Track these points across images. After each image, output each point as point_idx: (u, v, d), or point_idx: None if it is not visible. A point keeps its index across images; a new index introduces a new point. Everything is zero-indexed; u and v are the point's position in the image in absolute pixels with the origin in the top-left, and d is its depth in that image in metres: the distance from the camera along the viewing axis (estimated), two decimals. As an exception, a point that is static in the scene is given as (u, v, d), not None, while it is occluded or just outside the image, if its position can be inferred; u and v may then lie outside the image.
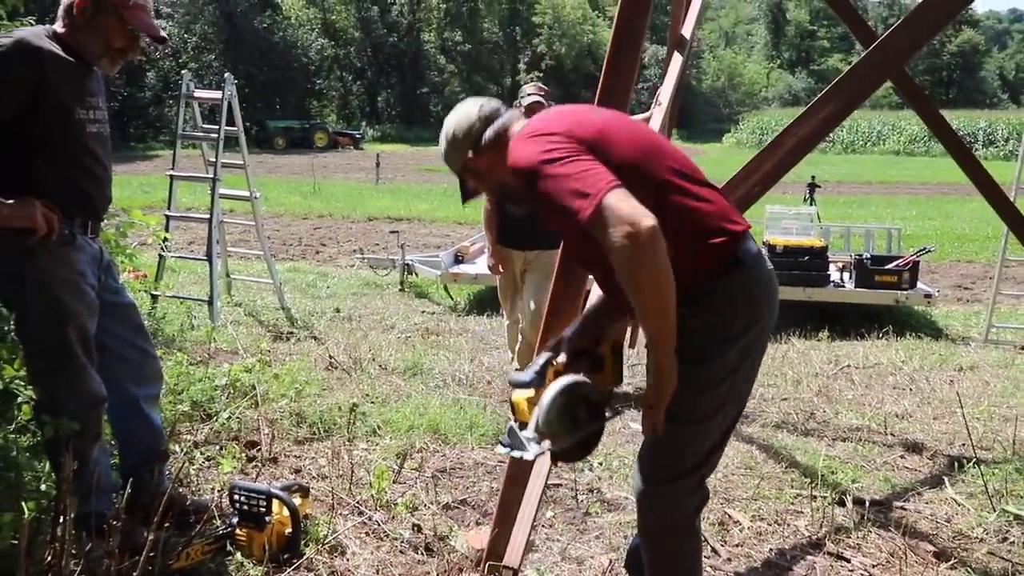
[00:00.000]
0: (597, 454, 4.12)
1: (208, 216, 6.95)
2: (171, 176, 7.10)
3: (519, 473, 2.57)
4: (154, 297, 6.75)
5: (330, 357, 5.65)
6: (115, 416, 2.95)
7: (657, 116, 4.06)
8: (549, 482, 3.72)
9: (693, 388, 2.14)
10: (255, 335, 6.53)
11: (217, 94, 6.97)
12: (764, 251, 8.08)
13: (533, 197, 2.09)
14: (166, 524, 2.91)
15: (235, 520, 2.87)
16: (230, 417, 4.12)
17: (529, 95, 5.47)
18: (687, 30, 4.47)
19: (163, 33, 2.85)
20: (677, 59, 4.39)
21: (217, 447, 3.84)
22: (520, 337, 5.67)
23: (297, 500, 3.06)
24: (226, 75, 7.16)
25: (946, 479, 3.98)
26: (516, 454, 2.12)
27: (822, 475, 3.91)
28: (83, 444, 2.70)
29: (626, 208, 1.92)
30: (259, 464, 3.77)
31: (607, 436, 4.48)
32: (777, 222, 8.94)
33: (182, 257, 7.36)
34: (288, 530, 2.90)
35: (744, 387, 2.31)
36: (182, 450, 3.74)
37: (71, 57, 2.66)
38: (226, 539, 2.84)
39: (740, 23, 74.61)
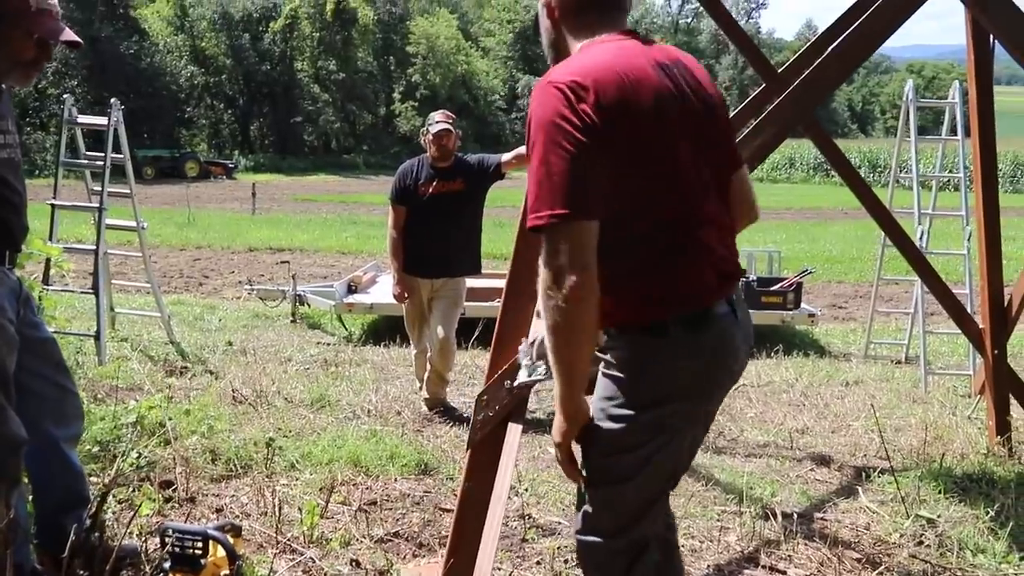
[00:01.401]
0: (523, 479, 4.11)
1: (94, 247, 6.63)
2: (52, 205, 6.75)
3: (475, 499, 2.53)
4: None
5: (233, 391, 5.45)
6: (33, 459, 2.75)
7: None
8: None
9: (598, 447, 2.02)
10: (147, 371, 6.24)
11: (103, 120, 6.68)
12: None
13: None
14: (96, 573, 2.76)
15: (167, 565, 2.72)
16: (139, 456, 3.91)
17: (437, 123, 5.48)
18: None
19: (75, 37, 2.62)
20: None
21: (129, 489, 3.63)
22: (429, 365, 5.62)
23: (231, 540, 2.92)
24: (112, 100, 6.88)
25: (858, 489, 4.15)
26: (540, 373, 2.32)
27: (744, 491, 4.02)
28: (2, 490, 2.50)
29: (569, 254, 1.81)
30: (177, 505, 3.60)
31: (528, 462, 4.50)
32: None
33: (66, 291, 6.96)
34: (224, 572, 2.76)
35: (667, 465, 2.05)
36: (94, 494, 3.52)
37: None
38: (159, 586, 2.69)
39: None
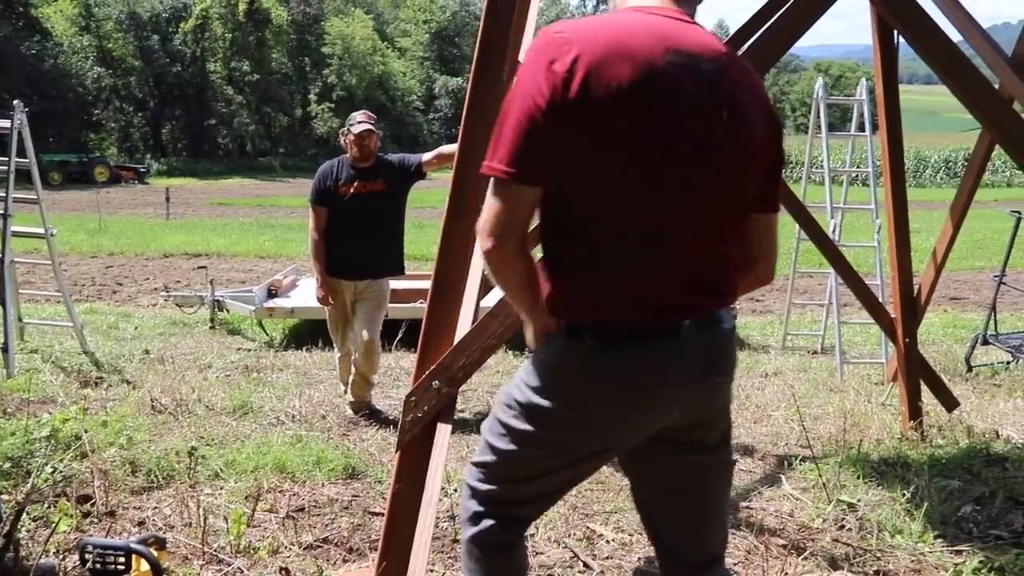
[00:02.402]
0: (452, 480, 4.09)
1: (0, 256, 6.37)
2: (-46, 215, 6.45)
3: (406, 501, 2.51)
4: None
5: (152, 400, 5.30)
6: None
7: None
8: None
9: (499, 407, 2.00)
10: (60, 382, 6.02)
11: (5, 123, 6.42)
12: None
13: None
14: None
15: (88, 582, 2.63)
16: (55, 471, 3.77)
17: (359, 123, 5.41)
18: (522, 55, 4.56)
19: None
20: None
21: (44, 505, 3.49)
22: (353, 368, 5.56)
23: (154, 554, 2.84)
24: (15, 102, 6.61)
25: (782, 477, 4.24)
26: None
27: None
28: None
29: (491, 214, 1.75)
30: (96, 519, 3.48)
31: (457, 462, 4.48)
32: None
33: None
34: (150, 586, 2.68)
35: (549, 463, 1.95)
36: (6, 512, 3.37)
37: None
38: (80, 604, 2.60)
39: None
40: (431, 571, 3.18)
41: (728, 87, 1.78)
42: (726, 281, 1.89)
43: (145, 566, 2.67)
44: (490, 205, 1.75)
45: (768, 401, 6.11)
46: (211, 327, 8.99)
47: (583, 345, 1.81)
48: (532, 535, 3.45)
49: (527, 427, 1.91)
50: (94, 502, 3.59)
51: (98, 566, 2.61)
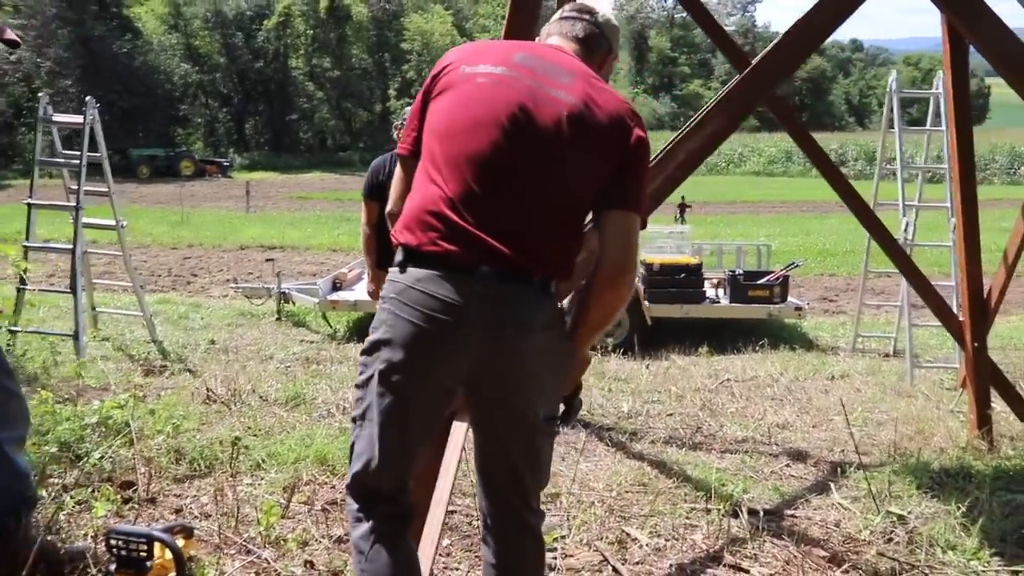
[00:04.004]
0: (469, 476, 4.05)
1: (71, 247, 6.57)
2: (29, 205, 6.69)
3: (417, 501, 2.47)
4: (12, 332, 6.33)
5: (207, 390, 5.40)
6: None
7: None
8: (450, 508, 3.64)
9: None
10: (125, 370, 6.19)
11: (78, 118, 6.62)
12: (641, 271, 8.31)
13: None
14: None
15: (112, 567, 2.66)
16: (102, 457, 3.85)
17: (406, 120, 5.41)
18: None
19: (14, 35, 2.59)
20: None
21: (89, 490, 3.57)
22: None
23: (180, 542, 2.87)
24: (87, 99, 6.81)
25: (832, 485, 4.09)
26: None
27: (714, 488, 3.96)
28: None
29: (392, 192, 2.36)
30: (136, 505, 3.54)
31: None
32: (652, 241, 9.15)
33: (44, 290, 6.91)
34: (172, 574, 2.70)
35: (377, 414, 2.11)
36: (50, 495, 3.47)
37: None
38: (103, 589, 2.64)
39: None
40: (456, 570, 3.15)
41: (568, 86, 2.12)
42: (535, 245, 2.08)
43: (168, 555, 2.70)
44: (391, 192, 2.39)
45: (830, 405, 5.92)
46: (277, 319, 9.13)
47: (405, 273, 2.11)
48: (563, 537, 3.39)
49: (366, 381, 2.14)
50: (136, 488, 3.65)
51: (122, 552, 2.64)
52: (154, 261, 14.25)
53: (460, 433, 2.49)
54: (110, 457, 3.90)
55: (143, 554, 2.64)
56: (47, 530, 3.17)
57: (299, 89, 52.71)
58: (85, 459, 3.82)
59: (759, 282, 8.50)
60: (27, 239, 6.65)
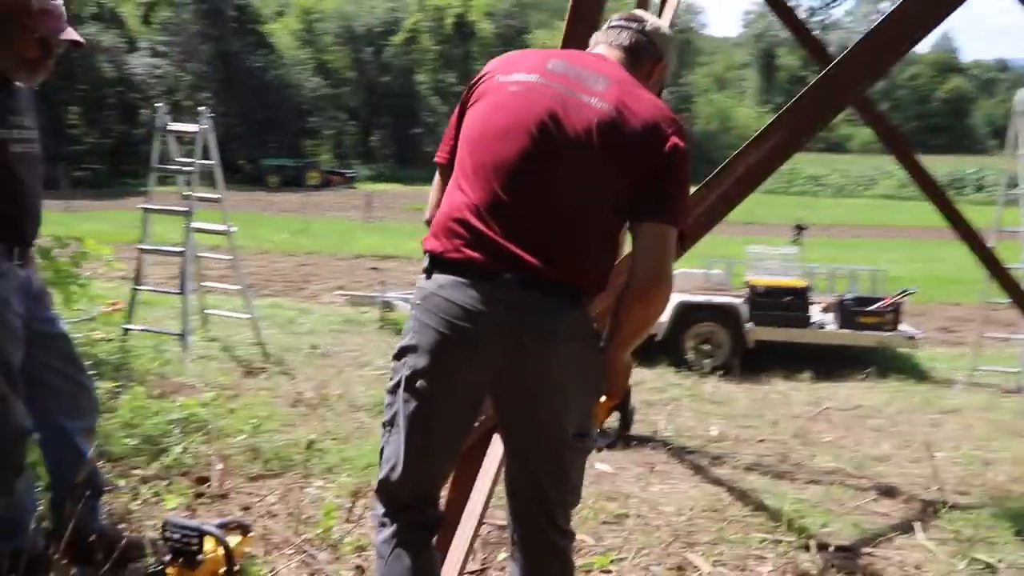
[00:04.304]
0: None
1: (181, 250, 6.86)
2: (144, 209, 7.03)
3: (458, 513, 2.45)
4: (126, 331, 6.65)
5: (297, 393, 5.53)
6: (47, 450, 2.83)
7: None
8: (498, 522, 3.60)
9: None
10: (225, 369, 6.41)
11: (193, 127, 6.93)
12: (745, 291, 8.07)
13: None
14: (99, 563, 2.81)
15: (167, 558, 2.74)
16: (183, 452, 3.99)
17: None
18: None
19: (79, 36, 2.68)
20: None
21: (166, 483, 3.70)
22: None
23: (236, 538, 2.93)
24: (200, 108, 7.11)
25: (919, 524, 3.85)
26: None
27: (790, 519, 3.79)
28: (6, 477, 2.58)
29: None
30: (208, 500, 3.64)
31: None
32: (759, 262, 8.90)
33: (155, 291, 7.23)
34: (223, 569, 2.76)
35: (405, 422, 2.13)
36: (128, 485, 3.61)
37: None
38: (155, 579, 2.72)
39: (732, 69, 75.49)
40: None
41: (601, 93, 2.07)
42: (562, 255, 2.03)
43: (222, 550, 2.75)
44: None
45: (936, 440, 5.60)
46: (380, 326, 9.30)
47: (429, 285, 2.11)
48: (621, 559, 3.30)
49: (395, 388, 2.16)
50: (209, 484, 3.76)
51: (176, 545, 2.72)
52: (271, 267, 14.76)
53: (500, 447, 2.46)
54: (190, 452, 4.03)
55: (194, 547, 2.70)
56: (120, 519, 3.30)
57: (424, 103, 53.86)
58: (166, 453, 3.96)
59: (870, 308, 8.14)
60: (142, 242, 6.98)
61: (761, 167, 2.51)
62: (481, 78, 2.23)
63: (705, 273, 9.10)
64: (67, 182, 28.02)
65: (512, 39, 57.16)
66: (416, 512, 2.19)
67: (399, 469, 2.15)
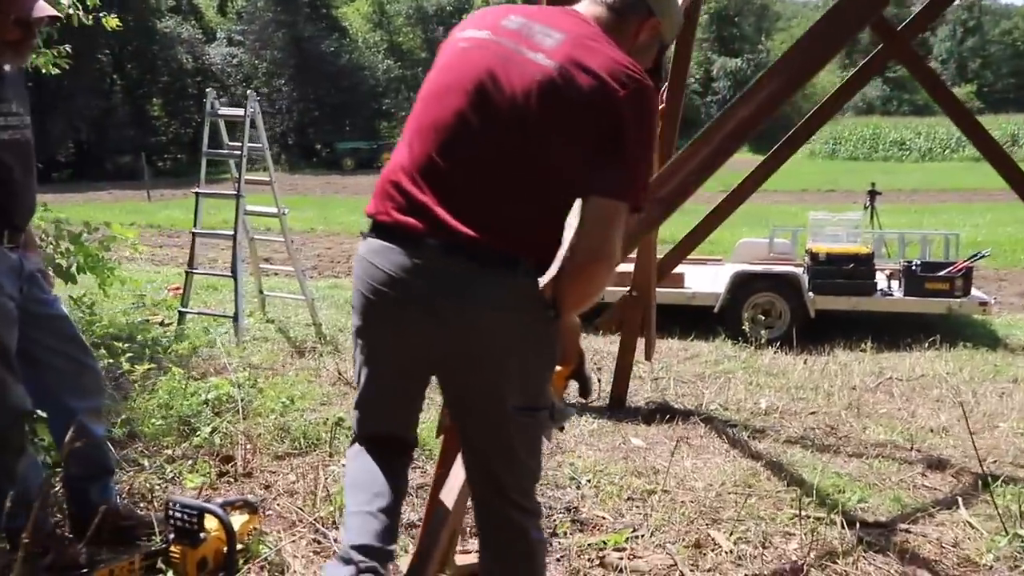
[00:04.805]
0: (587, 470, 3.91)
1: (232, 233, 6.96)
2: (196, 194, 7.14)
3: (436, 489, 2.40)
4: (181, 314, 6.78)
5: (339, 373, 5.55)
6: (55, 430, 2.87)
7: None
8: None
9: None
10: (275, 351, 6.48)
11: (240, 111, 6.99)
12: (805, 259, 7.80)
13: None
14: (107, 541, 2.85)
15: (171, 536, 2.76)
16: (213, 431, 4.03)
17: None
18: None
19: (55, 12, 2.68)
20: None
21: (191, 462, 3.74)
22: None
23: (243, 517, 2.94)
24: (249, 92, 7.17)
25: (964, 499, 3.65)
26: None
27: (826, 494, 3.64)
28: (7, 458, 2.63)
29: None
30: (232, 479, 3.67)
31: (601, 453, 4.29)
32: (821, 229, 8.60)
33: (205, 274, 7.34)
34: (225, 547, 2.77)
35: (364, 368, 2.17)
36: (152, 464, 3.66)
37: None
38: (157, 556, 2.73)
39: (813, 32, 73.27)
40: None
41: (550, 49, 1.91)
42: (495, 222, 1.91)
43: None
44: None
45: (1001, 411, 5.33)
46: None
47: (363, 246, 2.07)
48: (639, 536, 3.21)
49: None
50: (234, 463, 3.79)
51: (179, 524, 2.73)
52: (338, 248, 14.94)
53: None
54: (220, 432, 4.07)
55: (195, 526, 2.71)
56: (141, 498, 3.35)
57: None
58: (196, 433, 4.01)
59: (938, 274, 7.79)
60: (195, 226, 7.09)
61: (752, 120, 2.34)
62: (447, 38, 2.13)
63: (769, 242, 8.85)
64: (149, 172, 28.85)
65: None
66: (383, 441, 2.24)
67: (361, 414, 2.23)
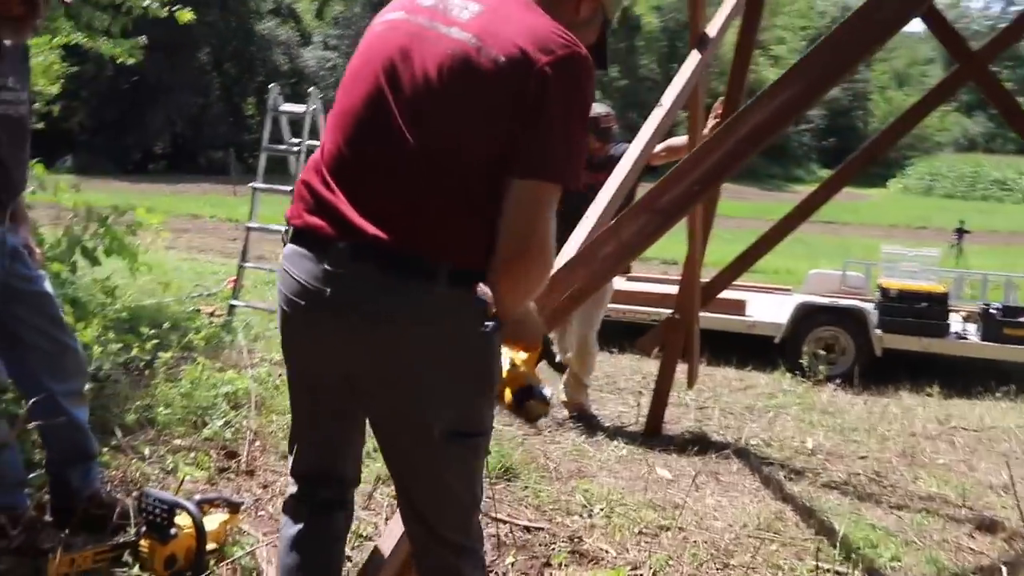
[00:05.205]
0: (601, 499, 3.71)
1: (285, 228, 6.94)
2: (253, 188, 7.16)
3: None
4: (232, 307, 6.79)
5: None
6: (36, 412, 2.81)
7: (655, 119, 3.63)
8: (533, 524, 3.37)
9: None
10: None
11: (301, 108, 6.99)
12: (876, 295, 7.41)
13: None
14: (82, 527, 2.78)
15: (142, 530, 2.67)
16: (225, 425, 3.96)
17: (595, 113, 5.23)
18: (712, 28, 4.05)
19: None
20: (694, 58, 3.95)
21: (195, 454, 3.67)
22: (568, 368, 5.32)
23: (223, 515, 2.83)
24: (311, 90, 7.19)
25: (1010, 568, 3.32)
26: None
27: (857, 547, 3.36)
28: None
29: None
30: (232, 475, 3.59)
31: (622, 481, 4.08)
32: (895, 264, 8.19)
33: (253, 267, 7.34)
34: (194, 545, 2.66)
35: (290, 391, 2.01)
36: (153, 453, 3.60)
37: None
38: (124, 549, 2.64)
39: (915, 64, 71.18)
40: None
41: (464, 22, 1.72)
42: (410, 221, 1.70)
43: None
44: None
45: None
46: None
47: (285, 249, 1.87)
48: (638, 575, 2.98)
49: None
50: (239, 459, 3.70)
51: (151, 518, 2.64)
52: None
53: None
54: (233, 426, 3.99)
55: (165, 521, 2.61)
56: (136, 486, 3.28)
57: (587, 99, 53.66)
58: (208, 426, 3.94)
59: (1019, 319, 7.31)
60: (250, 220, 7.11)
61: (767, 126, 2.12)
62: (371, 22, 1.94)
63: (842, 275, 8.47)
64: (238, 168, 29.54)
65: (679, 32, 56.10)
66: (317, 481, 2.02)
67: (294, 448, 2.04)
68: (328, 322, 1.76)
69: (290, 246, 1.82)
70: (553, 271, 2.49)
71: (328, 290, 1.72)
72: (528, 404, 1.97)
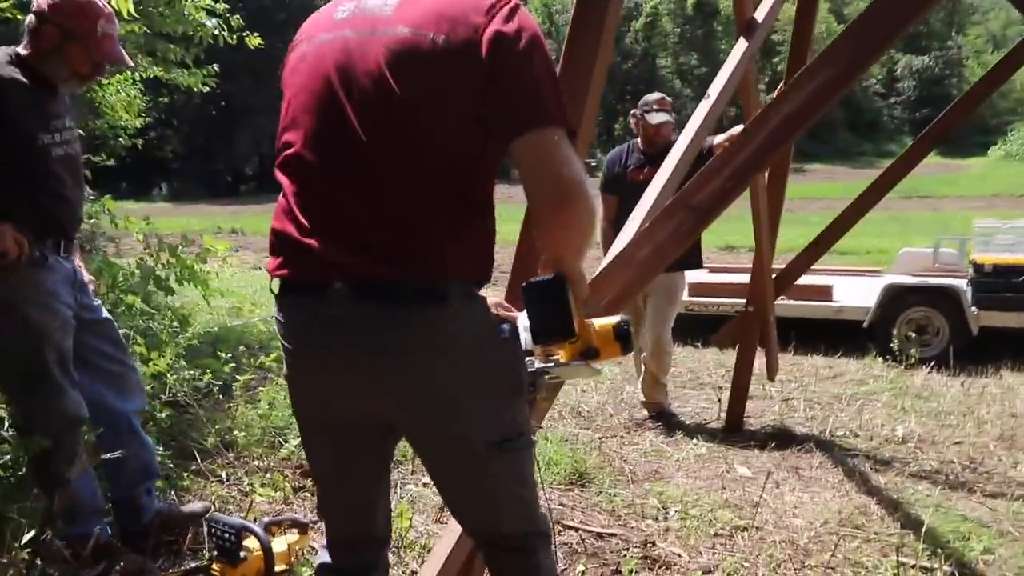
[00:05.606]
0: (676, 500, 3.64)
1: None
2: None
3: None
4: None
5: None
6: (105, 436, 2.92)
7: (702, 112, 3.54)
8: (606, 530, 3.33)
9: None
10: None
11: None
12: (969, 271, 7.09)
13: None
14: (155, 549, 2.87)
15: (214, 554, 2.73)
16: (300, 443, 4.02)
17: (656, 111, 5.21)
18: (761, 12, 3.91)
19: (128, 60, 2.88)
20: (741, 46, 3.83)
21: (270, 474, 3.74)
22: (643, 367, 5.26)
23: (292, 537, 2.88)
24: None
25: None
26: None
27: (946, 540, 3.21)
28: (59, 465, 2.68)
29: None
30: (309, 494, 3.65)
31: (699, 481, 4.00)
32: (990, 237, 7.80)
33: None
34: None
35: (312, 453, 1.96)
36: (230, 476, 3.69)
37: (34, 80, 2.68)
38: (198, 573, 2.71)
39: (1012, 25, 67.94)
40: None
41: (388, 17, 1.66)
42: (395, 243, 1.62)
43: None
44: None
45: None
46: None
47: (279, 305, 1.81)
48: (709, 579, 2.92)
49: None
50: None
51: (220, 542, 2.70)
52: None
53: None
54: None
55: (233, 545, 2.67)
56: (214, 506, 3.37)
57: (666, 87, 52.99)
58: (284, 446, 4.02)
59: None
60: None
61: (802, 114, 2.01)
62: (289, 55, 1.83)
63: (934, 252, 8.12)
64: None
65: (756, 14, 54.96)
66: (345, 555, 1.98)
67: (324, 515, 2.02)
68: (346, 365, 1.69)
69: (283, 297, 1.76)
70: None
71: (333, 332, 1.67)
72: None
